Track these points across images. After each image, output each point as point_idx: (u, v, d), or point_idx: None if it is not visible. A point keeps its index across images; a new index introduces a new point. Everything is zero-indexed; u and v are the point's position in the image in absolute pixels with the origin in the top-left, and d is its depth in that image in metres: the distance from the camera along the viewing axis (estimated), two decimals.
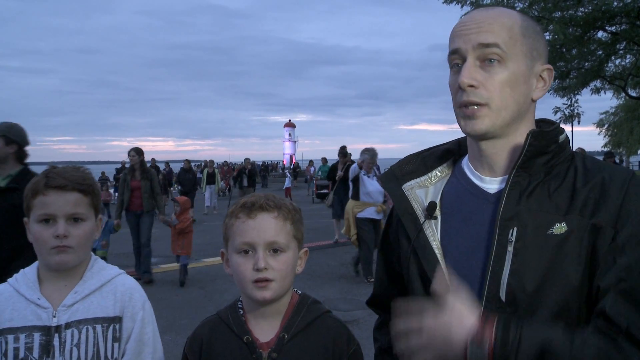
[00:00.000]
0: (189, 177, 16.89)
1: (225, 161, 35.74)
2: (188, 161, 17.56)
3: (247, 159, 18.82)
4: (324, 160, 23.91)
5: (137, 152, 7.98)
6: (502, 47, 1.10)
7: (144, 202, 7.84)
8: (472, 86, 1.11)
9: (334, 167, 11.36)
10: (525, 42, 1.13)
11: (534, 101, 1.18)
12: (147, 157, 11.79)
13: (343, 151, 10.75)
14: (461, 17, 1.24)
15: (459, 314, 1.01)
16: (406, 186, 1.27)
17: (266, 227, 1.29)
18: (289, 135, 60.18)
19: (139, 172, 7.95)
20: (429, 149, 1.34)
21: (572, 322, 1.04)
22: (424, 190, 1.27)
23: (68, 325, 1.45)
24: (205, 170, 19.49)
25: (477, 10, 1.17)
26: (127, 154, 8.07)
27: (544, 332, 0.97)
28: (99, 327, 1.48)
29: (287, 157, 58.27)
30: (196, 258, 9.72)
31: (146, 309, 1.58)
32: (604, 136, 39.28)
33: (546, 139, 1.12)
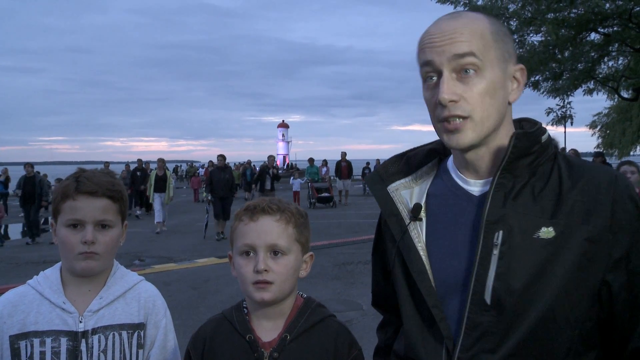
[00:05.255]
0: (225, 177, 12.51)
1: (211, 161, 25.21)
2: (223, 157, 12.89)
3: (271, 157, 15.22)
4: (311, 160, 22.68)
5: None
6: (478, 55, 1.07)
7: None
8: (452, 101, 1.07)
9: None
10: (497, 46, 1.10)
11: (510, 104, 1.15)
12: (134, 157, 10.18)
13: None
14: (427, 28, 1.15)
15: None
16: (391, 187, 1.25)
17: (267, 229, 1.31)
18: (283, 135, 60.16)
19: None
20: (414, 149, 1.33)
21: (558, 326, 1.04)
22: (409, 191, 1.25)
23: (95, 331, 1.45)
24: (154, 173, 14.23)
25: (444, 20, 1.12)
26: None
27: None
28: (124, 334, 1.48)
29: (281, 157, 58.24)
30: (189, 259, 9.68)
31: (168, 317, 1.59)
32: (597, 137, 39.54)
33: (530, 140, 1.11)
